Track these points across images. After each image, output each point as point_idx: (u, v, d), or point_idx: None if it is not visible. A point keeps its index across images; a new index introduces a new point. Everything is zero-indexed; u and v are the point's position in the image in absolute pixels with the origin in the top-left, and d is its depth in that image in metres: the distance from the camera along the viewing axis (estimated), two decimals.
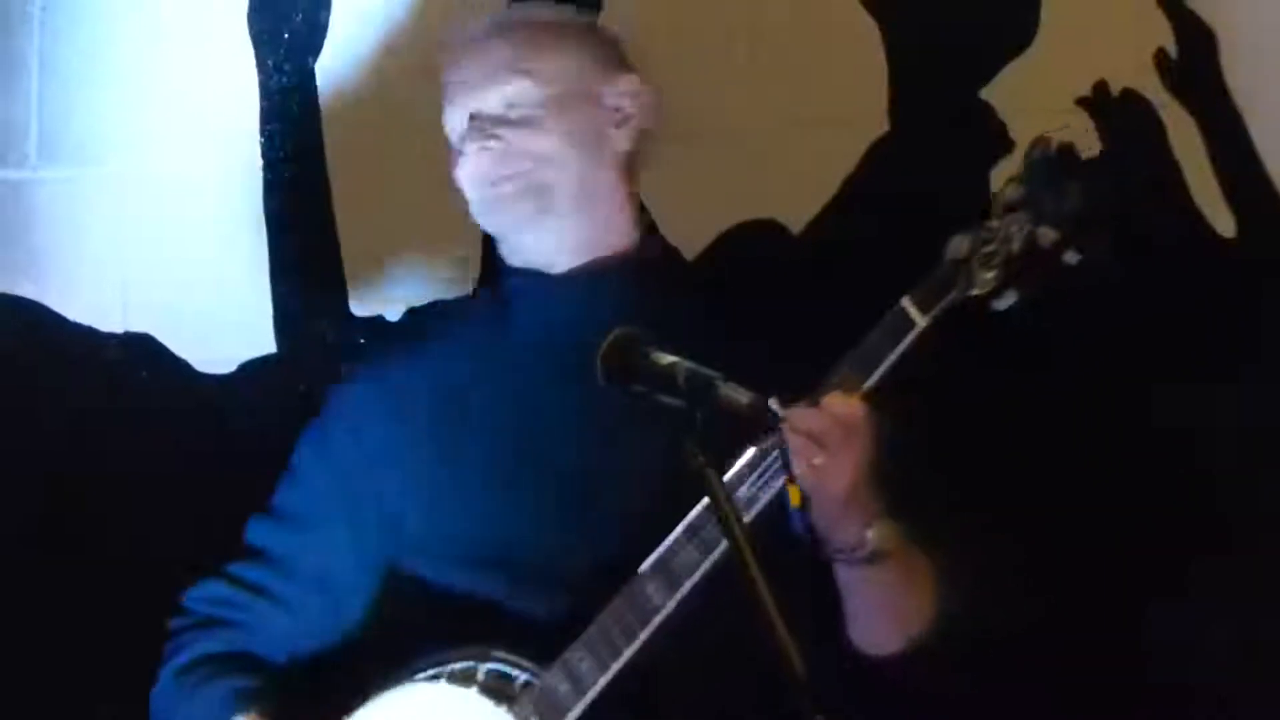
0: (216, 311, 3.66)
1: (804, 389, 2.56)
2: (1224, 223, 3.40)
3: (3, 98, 3.72)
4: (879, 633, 2.68)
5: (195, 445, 3.64)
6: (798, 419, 2.49)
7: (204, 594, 2.88)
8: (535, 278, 2.81)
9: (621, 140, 2.83)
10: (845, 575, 2.63)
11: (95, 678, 3.69)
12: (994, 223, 2.60)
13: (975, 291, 2.59)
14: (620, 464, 2.68)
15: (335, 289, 3.64)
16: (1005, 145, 3.39)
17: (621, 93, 2.83)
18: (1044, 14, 3.41)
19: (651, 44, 3.45)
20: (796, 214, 3.41)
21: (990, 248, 2.59)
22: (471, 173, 2.78)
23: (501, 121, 2.76)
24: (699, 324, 2.67)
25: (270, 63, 3.66)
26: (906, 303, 2.60)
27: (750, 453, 2.58)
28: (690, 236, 3.50)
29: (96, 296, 3.70)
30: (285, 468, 3.55)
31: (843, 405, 2.53)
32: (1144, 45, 3.41)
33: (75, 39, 3.74)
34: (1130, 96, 3.40)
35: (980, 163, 3.40)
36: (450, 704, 2.65)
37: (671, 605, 2.58)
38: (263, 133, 3.66)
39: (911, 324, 2.60)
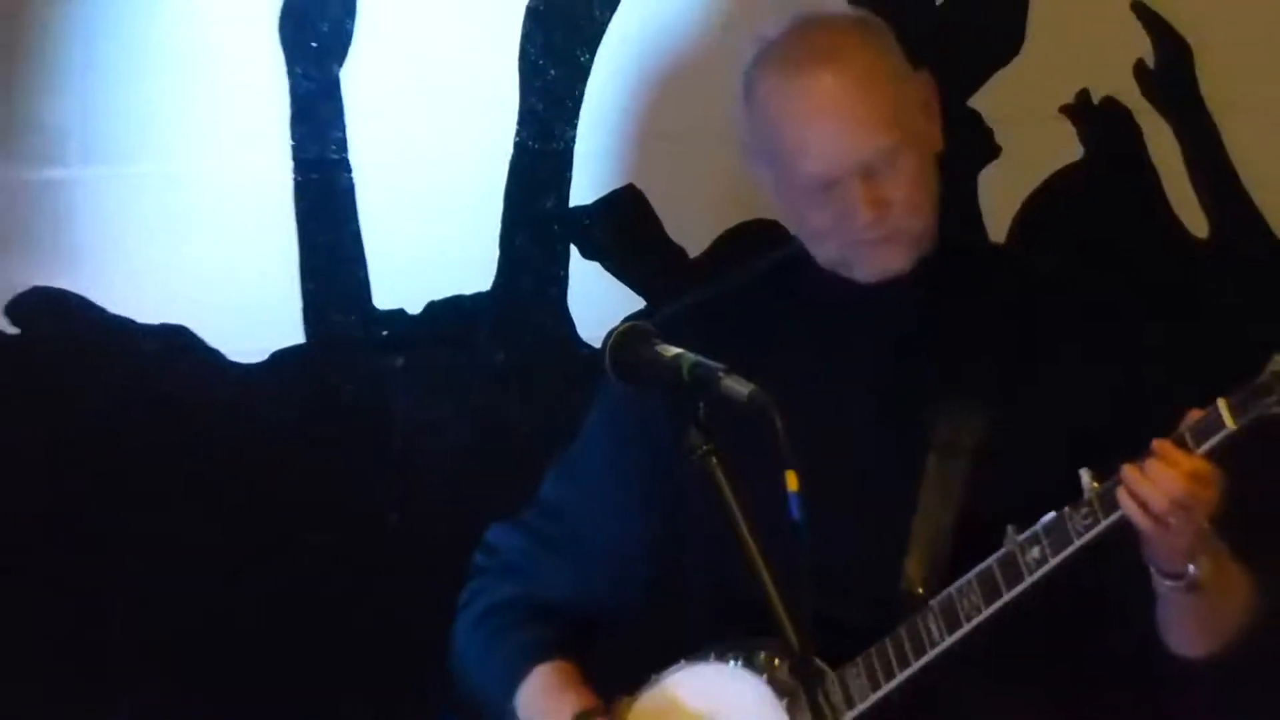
0: (248, 305, 3.71)
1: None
2: (1197, 224, 3.50)
3: (45, 102, 3.75)
4: (1186, 643, 2.68)
5: (227, 431, 3.71)
6: (1156, 477, 2.50)
7: (507, 539, 2.91)
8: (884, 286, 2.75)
9: None
10: (1163, 592, 2.63)
11: (123, 662, 3.74)
12: None
13: None
14: (921, 487, 2.68)
15: (360, 284, 3.71)
16: (991, 151, 3.50)
17: None
18: (1029, 27, 3.50)
19: (659, 47, 3.60)
20: None
21: None
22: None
23: None
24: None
25: (299, 69, 3.71)
26: (1221, 405, 2.55)
27: (1049, 516, 2.58)
28: (693, 236, 3.61)
29: (134, 290, 3.73)
30: (311, 453, 3.65)
31: (1190, 465, 2.51)
32: (1124, 56, 3.51)
33: (115, 47, 3.77)
34: (1110, 104, 3.51)
35: (968, 169, 3.49)
36: (741, 689, 2.68)
37: (948, 643, 2.60)
38: (292, 135, 3.71)
39: (1221, 426, 2.54)
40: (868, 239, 2.70)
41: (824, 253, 2.76)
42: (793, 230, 2.81)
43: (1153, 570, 2.60)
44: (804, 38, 2.74)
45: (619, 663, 2.85)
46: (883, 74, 2.70)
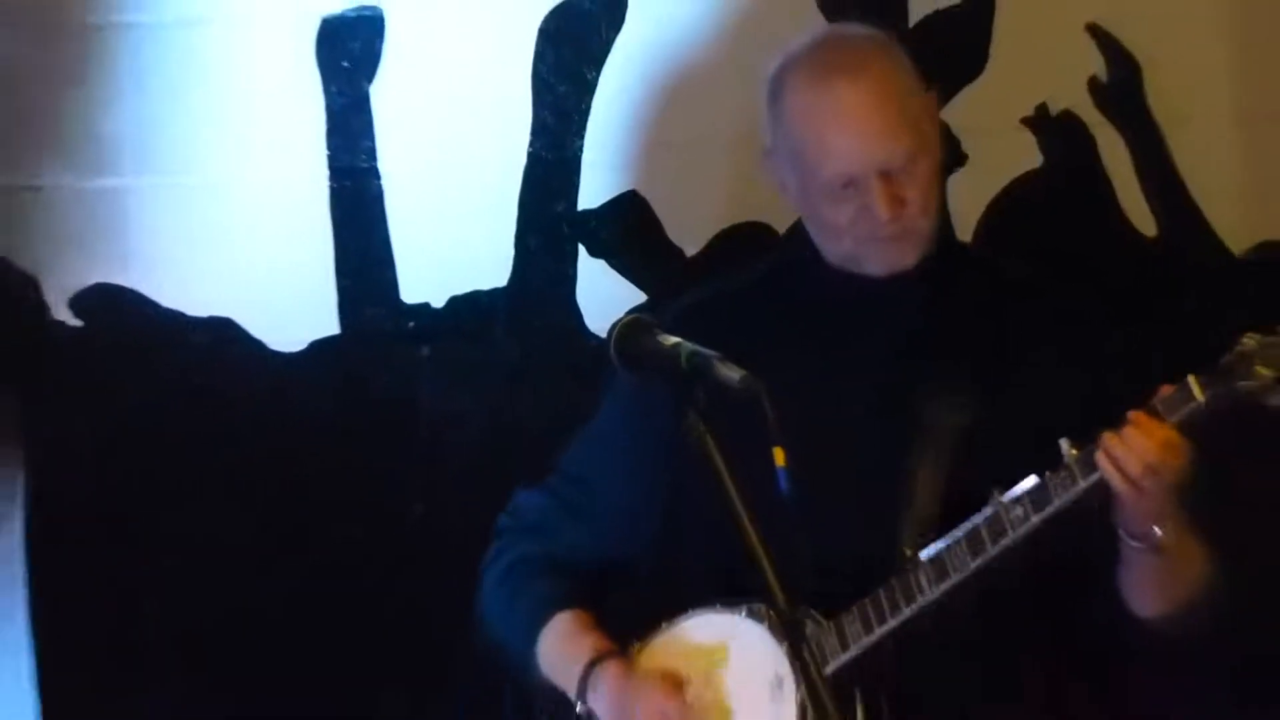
0: (288, 299, 3.77)
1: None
2: (1146, 224, 3.58)
3: (103, 119, 3.81)
4: (1144, 602, 2.73)
5: (269, 413, 3.77)
6: (1133, 444, 2.58)
7: (531, 502, 2.99)
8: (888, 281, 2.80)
9: None
10: (1127, 553, 2.68)
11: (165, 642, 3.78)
12: None
13: (1248, 384, 2.59)
14: (906, 472, 2.74)
15: (389, 280, 3.76)
16: (959, 160, 3.52)
17: None
18: (993, 46, 3.56)
19: (657, 66, 3.67)
20: (782, 217, 3.48)
21: (1275, 350, 2.59)
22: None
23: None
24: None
25: (333, 86, 3.76)
26: (1192, 381, 2.61)
27: (1031, 480, 2.64)
28: (691, 236, 3.70)
29: (185, 286, 3.79)
30: (345, 433, 3.72)
31: (1163, 434, 2.59)
32: (1079, 73, 3.55)
33: (165, 69, 3.81)
34: (1067, 117, 3.56)
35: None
36: (742, 633, 2.75)
37: (937, 593, 2.66)
38: (327, 146, 3.77)
39: (1192, 399, 2.60)
40: (883, 235, 2.77)
41: (839, 248, 2.81)
42: (812, 224, 2.85)
43: (1121, 532, 2.67)
44: (830, 50, 2.82)
45: (624, 621, 2.90)
46: (900, 86, 2.79)
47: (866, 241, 2.78)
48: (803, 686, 2.57)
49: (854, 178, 2.75)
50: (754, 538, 2.37)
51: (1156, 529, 2.65)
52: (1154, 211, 3.56)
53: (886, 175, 2.74)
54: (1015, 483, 2.67)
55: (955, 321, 2.83)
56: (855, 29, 2.90)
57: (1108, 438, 2.61)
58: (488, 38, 3.73)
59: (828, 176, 2.76)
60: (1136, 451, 2.59)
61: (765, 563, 2.36)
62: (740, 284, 2.97)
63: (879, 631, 2.69)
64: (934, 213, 2.81)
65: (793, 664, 2.65)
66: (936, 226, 2.82)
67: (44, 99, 3.83)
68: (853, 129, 2.75)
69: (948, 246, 2.92)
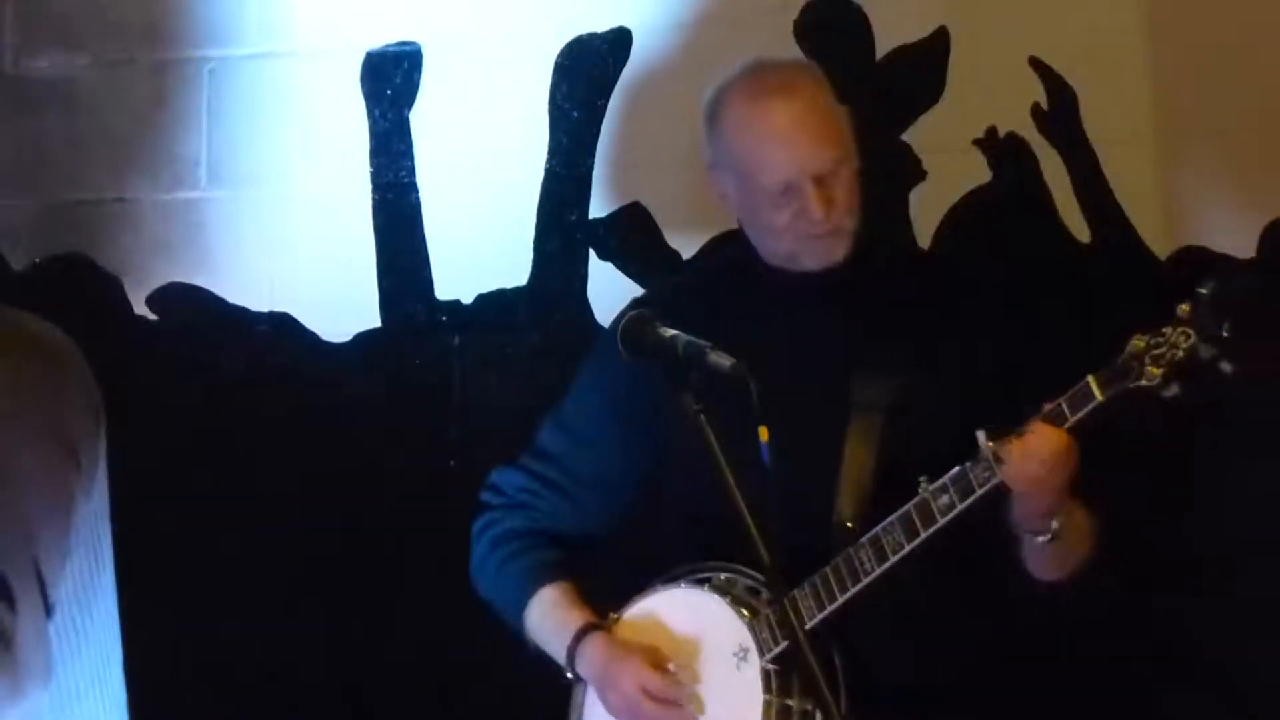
0: (338, 296, 3.97)
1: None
2: (1081, 232, 3.68)
3: (181, 140, 4.04)
4: (1044, 570, 2.86)
5: (321, 394, 3.98)
6: (1032, 450, 2.68)
7: (511, 481, 3.04)
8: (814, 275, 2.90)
9: None
10: (1026, 538, 2.81)
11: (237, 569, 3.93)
12: (1168, 330, 2.66)
13: (1142, 383, 2.66)
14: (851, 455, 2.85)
15: (425, 279, 3.95)
16: (920, 175, 3.70)
17: None
18: (949, 77, 3.70)
19: (656, 95, 3.85)
20: None
21: (1160, 350, 2.65)
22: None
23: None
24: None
25: (376, 111, 3.96)
26: (1091, 380, 2.70)
27: (954, 470, 2.74)
28: (685, 242, 3.87)
29: (249, 284, 4.00)
30: (386, 412, 3.95)
31: (1059, 440, 2.68)
32: (1023, 100, 3.68)
33: (235, 94, 4.04)
34: (1013, 138, 3.69)
35: (901, 189, 3.70)
36: (708, 607, 2.86)
37: (877, 573, 2.77)
38: (372, 163, 3.98)
39: (1092, 398, 2.70)
40: (817, 233, 2.87)
41: (778, 247, 2.90)
42: (752, 228, 2.93)
43: (1019, 531, 2.80)
44: (762, 75, 2.92)
45: (604, 583, 3.04)
46: (825, 102, 2.91)
47: (803, 239, 2.89)
48: (768, 655, 2.79)
49: (791, 184, 2.85)
50: (743, 505, 2.45)
51: (1052, 523, 2.78)
52: (1088, 221, 3.66)
53: (818, 180, 2.86)
54: (938, 456, 2.78)
55: (884, 309, 2.92)
56: (780, 58, 3.01)
57: (998, 451, 2.72)
58: (511, 70, 3.91)
59: (768, 184, 2.85)
60: (1034, 458, 2.71)
61: (754, 528, 2.45)
62: (690, 283, 3.12)
63: (830, 608, 2.81)
64: (857, 212, 2.90)
65: (758, 635, 2.80)
66: (859, 225, 2.93)
67: (130, 124, 4.05)
68: (789, 141, 2.85)
69: (879, 244, 3.00)
